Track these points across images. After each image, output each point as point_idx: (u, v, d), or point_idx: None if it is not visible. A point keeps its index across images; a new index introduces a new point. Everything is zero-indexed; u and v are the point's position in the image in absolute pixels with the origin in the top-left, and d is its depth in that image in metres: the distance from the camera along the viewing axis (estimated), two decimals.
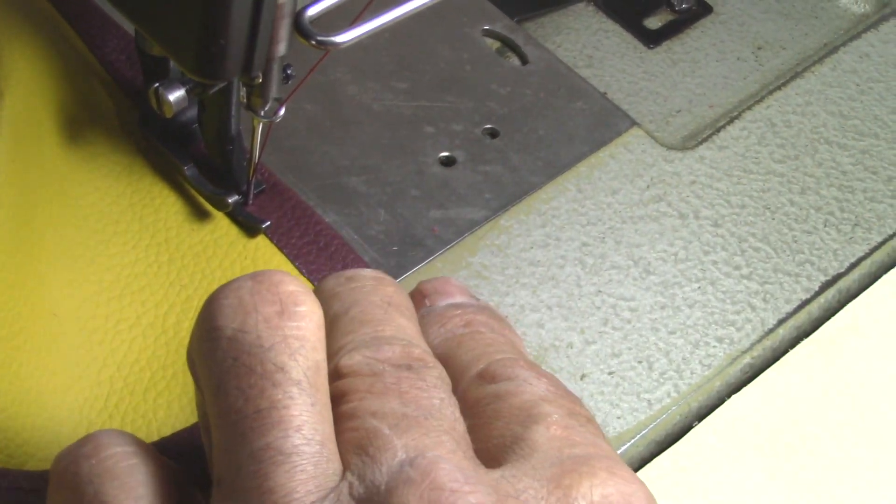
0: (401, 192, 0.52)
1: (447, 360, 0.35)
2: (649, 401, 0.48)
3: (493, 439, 0.32)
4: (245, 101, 0.45)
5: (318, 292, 0.36)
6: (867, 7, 0.64)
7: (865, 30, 0.62)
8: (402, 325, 0.35)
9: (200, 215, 0.50)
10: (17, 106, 0.48)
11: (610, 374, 0.48)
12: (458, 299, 0.39)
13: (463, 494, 0.29)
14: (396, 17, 0.40)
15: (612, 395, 0.48)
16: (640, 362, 0.49)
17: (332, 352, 0.33)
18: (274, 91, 0.43)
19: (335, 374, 0.33)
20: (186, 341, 0.45)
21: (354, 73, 0.56)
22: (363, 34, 0.39)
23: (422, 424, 0.31)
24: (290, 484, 0.29)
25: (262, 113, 0.44)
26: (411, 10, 0.40)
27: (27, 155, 0.48)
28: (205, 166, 0.50)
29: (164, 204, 0.50)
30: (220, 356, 0.31)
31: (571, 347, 0.49)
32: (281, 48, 0.40)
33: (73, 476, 0.33)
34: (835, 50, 0.60)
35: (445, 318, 0.37)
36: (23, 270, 0.45)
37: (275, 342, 0.31)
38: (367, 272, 0.37)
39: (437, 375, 0.33)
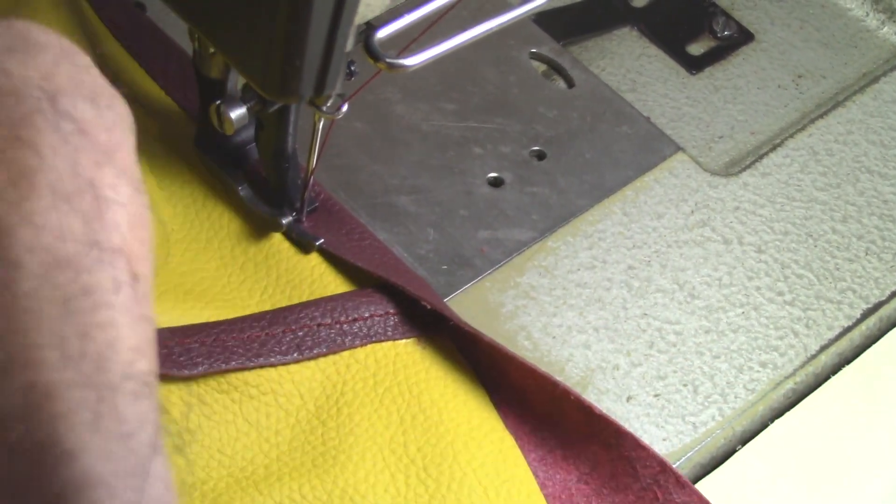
0: (449, 212, 0.53)
1: None
2: (694, 424, 0.48)
3: None
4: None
5: None
6: None
7: None
8: None
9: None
10: None
11: (656, 396, 0.49)
12: None
13: None
14: (463, 42, 0.41)
15: (658, 418, 0.48)
16: (685, 385, 0.49)
17: None
18: (337, 87, 0.43)
19: None
20: None
21: (403, 94, 0.56)
22: (431, 58, 0.40)
23: None
24: None
25: (325, 108, 0.44)
26: (477, 36, 0.41)
27: None
28: (257, 186, 0.50)
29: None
30: None
31: (617, 369, 0.49)
32: (348, 44, 0.40)
33: None
34: (875, 80, 0.61)
35: None
36: None
37: None
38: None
39: None
